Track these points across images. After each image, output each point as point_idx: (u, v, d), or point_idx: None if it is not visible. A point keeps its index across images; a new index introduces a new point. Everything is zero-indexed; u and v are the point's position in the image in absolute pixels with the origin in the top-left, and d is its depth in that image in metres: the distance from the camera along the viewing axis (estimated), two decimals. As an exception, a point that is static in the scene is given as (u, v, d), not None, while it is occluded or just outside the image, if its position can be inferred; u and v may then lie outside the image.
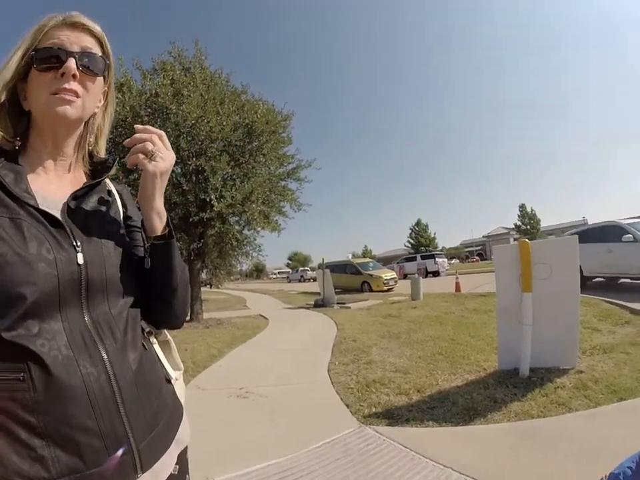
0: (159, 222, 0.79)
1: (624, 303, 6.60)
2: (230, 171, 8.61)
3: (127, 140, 0.77)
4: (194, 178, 8.71)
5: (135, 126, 0.78)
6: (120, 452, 0.65)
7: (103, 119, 0.88)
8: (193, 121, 7.88)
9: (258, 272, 66.04)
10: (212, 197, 7.90)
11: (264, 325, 9.02)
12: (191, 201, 8.39)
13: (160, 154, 0.77)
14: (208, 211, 8.03)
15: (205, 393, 4.06)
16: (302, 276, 44.64)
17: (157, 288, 0.82)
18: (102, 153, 0.90)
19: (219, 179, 8.07)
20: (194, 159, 8.12)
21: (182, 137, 8.04)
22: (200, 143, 8.30)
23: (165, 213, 0.81)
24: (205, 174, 8.12)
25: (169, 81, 7.99)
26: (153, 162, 0.76)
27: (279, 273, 68.69)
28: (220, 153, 8.33)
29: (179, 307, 0.87)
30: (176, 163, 8.95)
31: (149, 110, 8.05)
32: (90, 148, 0.87)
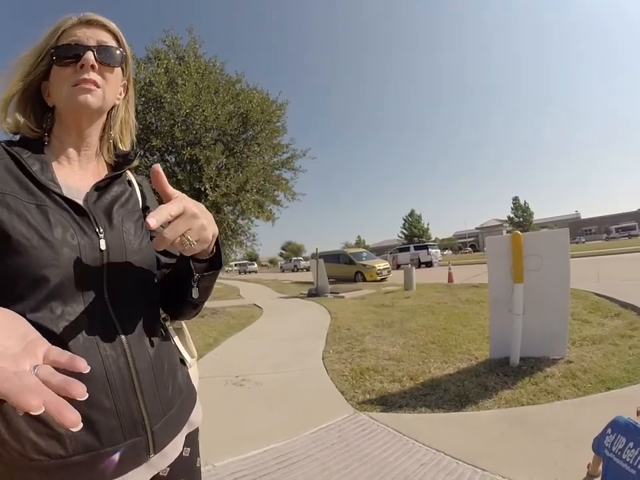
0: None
1: (614, 296, 6.67)
2: (224, 160, 8.55)
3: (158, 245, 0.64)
4: (188, 167, 8.64)
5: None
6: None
7: (126, 112, 0.90)
8: (187, 110, 7.77)
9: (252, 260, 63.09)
10: (206, 186, 7.85)
11: (258, 314, 9.07)
12: (185, 191, 8.31)
13: (189, 239, 0.65)
14: (202, 200, 7.97)
15: (201, 380, 4.04)
16: (295, 265, 44.95)
17: (186, 298, 0.83)
18: (127, 147, 0.91)
19: (214, 169, 8.02)
20: (188, 148, 8.03)
21: (176, 126, 7.96)
22: (194, 132, 8.21)
23: (216, 233, 0.74)
24: (200, 163, 8.05)
25: (163, 70, 7.85)
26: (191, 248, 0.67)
27: (235, 265, 63.11)
28: (214, 142, 8.26)
29: (199, 309, 0.91)
30: (170, 152, 8.94)
31: (143, 99, 7.94)
32: (113, 140, 0.88)
